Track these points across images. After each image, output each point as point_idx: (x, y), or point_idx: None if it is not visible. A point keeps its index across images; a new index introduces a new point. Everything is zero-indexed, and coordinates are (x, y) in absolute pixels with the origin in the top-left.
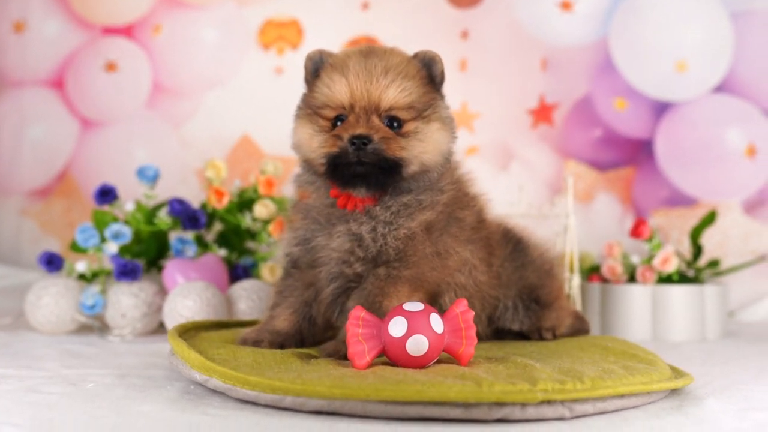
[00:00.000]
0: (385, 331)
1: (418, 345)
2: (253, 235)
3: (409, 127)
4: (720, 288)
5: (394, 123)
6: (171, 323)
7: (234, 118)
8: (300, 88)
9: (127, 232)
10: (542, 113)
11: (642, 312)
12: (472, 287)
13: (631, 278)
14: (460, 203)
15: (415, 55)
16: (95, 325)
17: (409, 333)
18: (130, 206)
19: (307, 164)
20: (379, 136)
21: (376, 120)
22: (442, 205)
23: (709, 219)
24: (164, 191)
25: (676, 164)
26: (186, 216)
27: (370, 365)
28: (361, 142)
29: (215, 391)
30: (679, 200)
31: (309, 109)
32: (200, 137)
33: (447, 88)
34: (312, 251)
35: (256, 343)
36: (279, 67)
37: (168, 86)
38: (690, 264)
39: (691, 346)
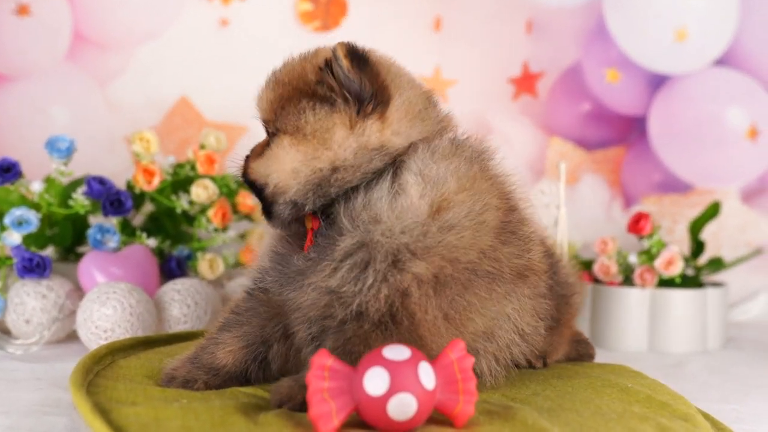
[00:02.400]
0: (359, 385)
1: (403, 407)
2: (189, 220)
3: (273, 142)
4: (722, 291)
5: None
6: (85, 335)
7: (170, 77)
8: (248, 41)
9: (33, 219)
10: (525, 82)
11: (638, 319)
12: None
13: (627, 279)
14: (495, 239)
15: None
16: None
17: (392, 391)
18: (38, 186)
19: None
20: (247, 155)
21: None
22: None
23: (712, 211)
24: (87, 162)
25: (671, 145)
26: (107, 199)
27: (339, 431)
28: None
29: None
30: (672, 186)
31: None
32: (130, 99)
33: (419, 49)
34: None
35: (187, 383)
36: (224, 19)
37: (92, 37)
38: (689, 261)
39: (695, 362)
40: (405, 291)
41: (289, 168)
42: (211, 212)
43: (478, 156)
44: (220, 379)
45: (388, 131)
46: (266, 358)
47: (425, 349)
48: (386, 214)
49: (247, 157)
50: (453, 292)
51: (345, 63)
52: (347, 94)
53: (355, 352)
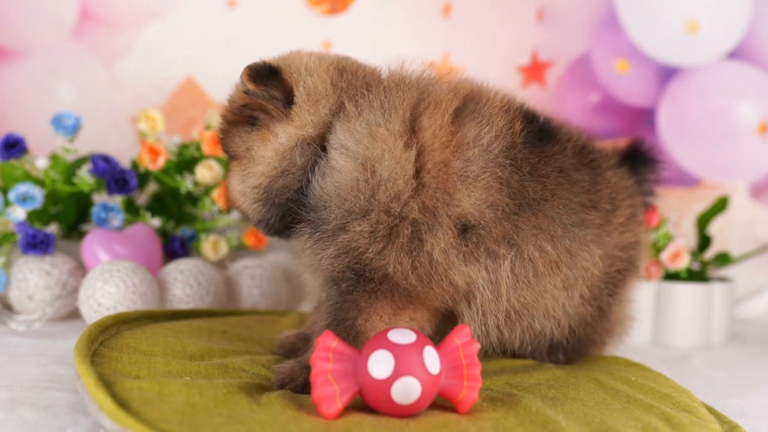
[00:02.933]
0: (363, 368)
1: (406, 390)
2: (194, 200)
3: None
4: (728, 286)
5: None
6: (88, 313)
7: (177, 56)
8: (256, 23)
9: (38, 195)
10: (534, 71)
11: (643, 312)
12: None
13: None
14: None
15: None
16: None
17: (396, 374)
18: (43, 162)
19: None
20: None
21: None
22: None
23: (720, 206)
24: (92, 140)
25: (680, 138)
26: (112, 177)
27: (342, 413)
28: None
29: None
30: (680, 179)
31: None
32: (136, 78)
33: (428, 35)
34: None
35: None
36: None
37: (99, 14)
38: (695, 256)
39: (698, 356)
40: (357, 249)
41: (238, 191)
42: (215, 193)
43: (387, 104)
44: None
45: (292, 128)
46: None
47: (413, 291)
48: (326, 196)
49: None
50: (404, 241)
51: (250, 86)
52: (264, 108)
53: (347, 321)
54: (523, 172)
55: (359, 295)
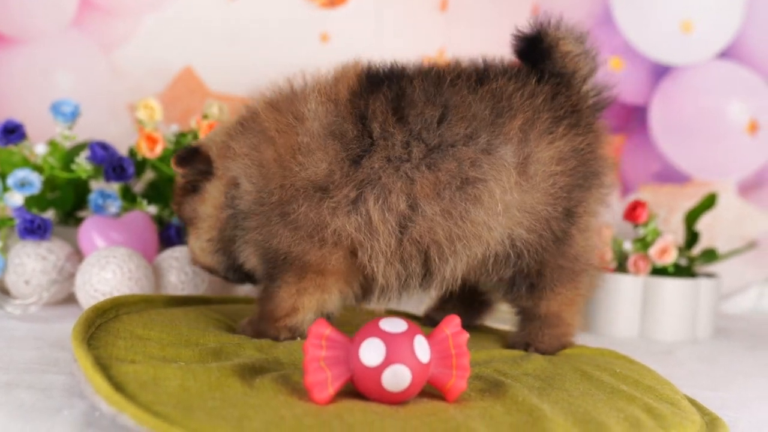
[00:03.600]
0: (355, 355)
1: (397, 378)
2: None
3: None
4: (714, 282)
5: None
6: (84, 298)
7: (176, 46)
8: (255, 15)
9: (36, 181)
10: None
11: (630, 306)
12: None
13: (620, 266)
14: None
15: None
16: None
17: (387, 362)
18: (42, 149)
19: None
20: None
21: None
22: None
23: (708, 203)
24: (89, 127)
25: (671, 136)
26: (110, 164)
27: (333, 399)
28: None
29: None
30: (670, 176)
31: None
32: (135, 66)
33: (425, 29)
34: None
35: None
36: None
37: (99, 3)
38: (683, 251)
39: (683, 350)
40: (256, 240)
41: (197, 248)
42: None
43: (256, 126)
44: None
45: (217, 181)
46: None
47: (307, 262)
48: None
49: None
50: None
51: (180, 171)
52: (197, 180)
53: (267, 294)
54: (357, 119)
55: (270, 279)
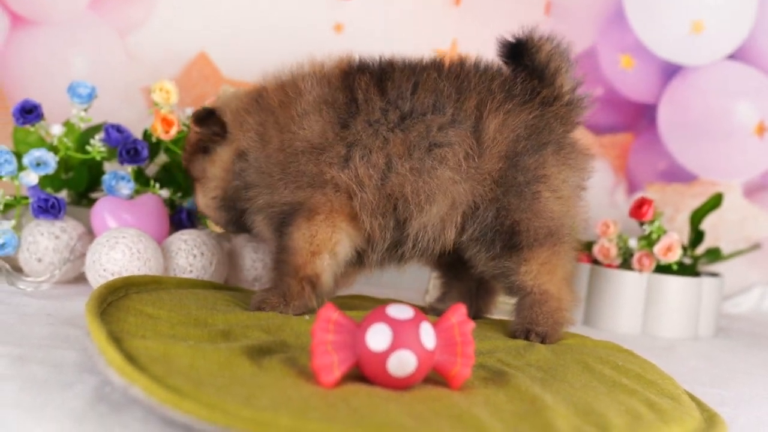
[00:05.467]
0: (361, 340)
1: (402, 363)
2: None
3: None
4: (717, 281)
5: None
6: (93, 277)
7: (191, 31)
8: (271, 4)
9: (51, 161)
10: None
11: (634, 302)
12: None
13: (625, 262)
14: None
15: None
16: (4, 268)
17: (393, 347)
18: (57, 129)
19: None
20: None
21: None
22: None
23: (714, 203)
24: (103, 110)
25: (679, 135)
26: (124, 147)
27: (339, 383)
28: None
29: (137, 400)
30: (677, 175)
31: None
32: (150, 51)
33: (438, 22)
34: None
35: None
36: None
37: None
38: (687, 250)
39: (685, 347)
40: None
41: (203, 204)
42: None
43: (261, 103)
44: None
45: (228, 146)
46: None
47: (311, 206)
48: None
49: None
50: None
51: (196, 128)
52: (210, 139)
53: (282, 243)
54: (347, 90)
55: (284, 226)
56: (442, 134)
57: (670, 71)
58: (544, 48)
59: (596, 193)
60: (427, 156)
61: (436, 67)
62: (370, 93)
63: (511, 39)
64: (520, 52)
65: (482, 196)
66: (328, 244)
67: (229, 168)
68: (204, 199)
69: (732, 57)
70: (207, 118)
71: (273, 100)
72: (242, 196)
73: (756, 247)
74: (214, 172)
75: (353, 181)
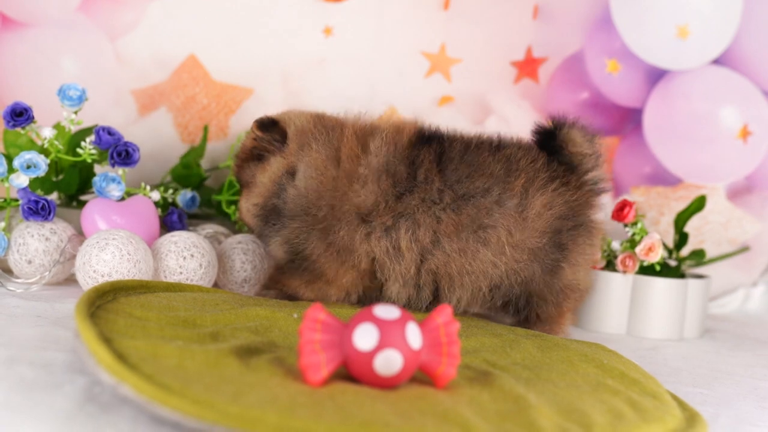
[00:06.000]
0: (348, 339)
1: (389, 363)
2: None
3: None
4: (703, 283)
5: None
6: (83, 279)
7: (181, 34)
8: (259, 6)
9: (42, 163)
10: (527, 67)
11: (619, 304)
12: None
13: (609, 264)
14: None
15: None
16: None
17: (380, 347)
18: (48, 132)
19: None
20: None
21: None
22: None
23: (697, 205)
24: (93, 113)
25: (664, 139)
26: (115, 150)
27: (326, 382)
28: None
29: (127, 399)
30: (661, 178)
31: None
32: (140, 54)
33: (427, 26)
34: None
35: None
36: None
37: None
38: (672, 252)
39: (670, 348)
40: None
41: (244, 209)
42: None
43: (330, 141)
44: None
45: (281, 159)
46: None
47: (324, 272)
48: (285, 207)
49: None
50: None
51: (258, 133)
52: (269, 148)
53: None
54: (408, 163)
55: (289, 266)
56: (490, 216)
57: (656, 76)
58: (576, 139)
59: None
60: (473, 237)
61: (490, 147)
62: (431, 173)
63: (546, 126)
64: (552, 139)
65: (516, 272)
66: (311, 298)
67: (276, 180)
68: (246, 204)
69: (717, 62)
70: (271, 125)
71: (345, 146)
72: (278, 212)
73: (745, 249)
74: (263, 180)
75: (390, 253)
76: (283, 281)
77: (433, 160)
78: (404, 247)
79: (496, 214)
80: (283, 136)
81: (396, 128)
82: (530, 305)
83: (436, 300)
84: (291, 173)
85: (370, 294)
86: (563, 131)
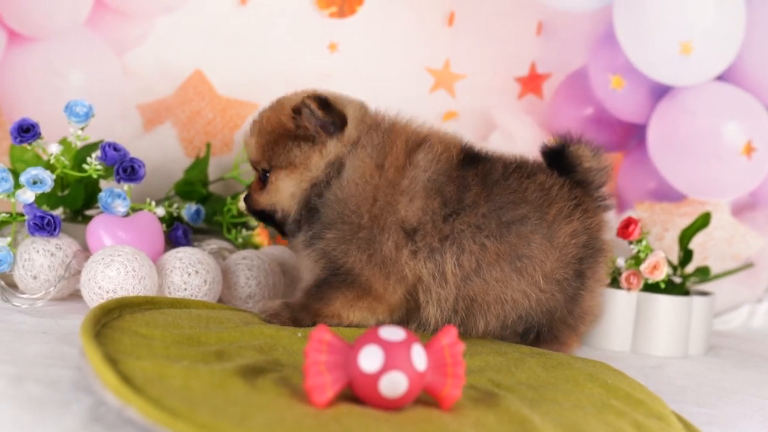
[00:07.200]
0: (354, 361)
1: (394, 385)
2: None
3: (270, 178)
4: (707, 300)
5: (265, 173)
6: (88, 295)
7: (187, 49)
8: (265, 22)
9: (48, 179)
10: (531, 83)
11: (623, 321)
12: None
13: (614, 281)
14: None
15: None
16: None
17: (385, 369)
18: (55, 148)
19: None
20: (248, 192)
21: (257, 177)
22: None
23: (702, 222)
24: (100, 127)
25: (668, 155)
26: (121, 166)
27: (332, 403)
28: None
29: (132, 421)
30: (666, 194)
31: None
32: (146, 68)
33: (431, 42)
34: None
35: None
36: None
37: (113, 5)
38: (677, 269)
39: (674, 366)
40: (329, 251)
41: (288, 194)
42: None
43: (381, 144)
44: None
45: (340, 144)
46: None
47: (371, 287)
48: (322, 207)
49: (248, 194)
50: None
51: (319, 112)
52: (321, 129)
53: (311, 309)
54: (457, 184)
55: (329, 285)
56: (528, 246)
57: (660, 92)
58: (585, 154)
59: None
60: (510, 266)
61: (525, 171)
62: (480, 197)
63: (553, 144)
64: (562, 157)
65: (542, 303)
66: (356, 320)
67: (329, 167)
68: (293, 189)
69: (720, 78)
70: (332, 106)
71: (392, 154)
72: (312, 215)
73: (749, 265)
74: (318, 163)
75: (436, 276)
76: (319, 308)
77: (480, 184)
78: (449, 272)
79: (532, 244)
80: (343, 121)
81: (444, 144)
82: (548, 331)
83: (463, 325)
84: (339, 165)
85: (406, 316)
86: (571, 148)
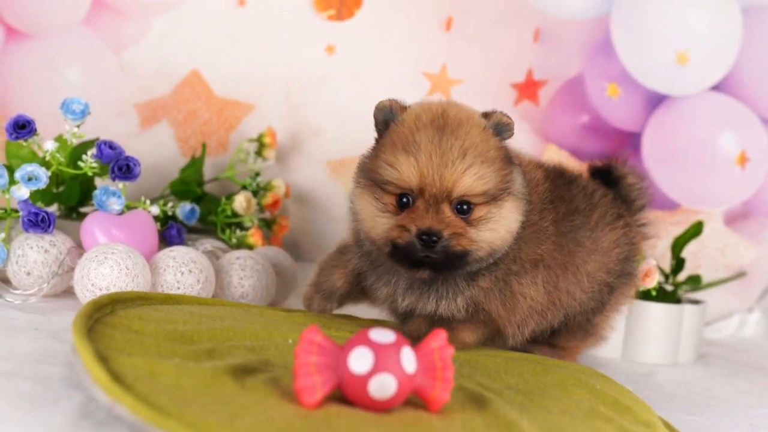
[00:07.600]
0: (344, 362)
1: (383, 387)
2: None
3: (480, 212)
4: (699, 308)
5: (464, 206)
6: (81, 292)
7: (184, 49)
8: (263, 23)
9: (43, 176)
10: (528, 89)
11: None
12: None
13: None
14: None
15: (487, 116)
16: None
17: (375, 371)
18: (51, 145)
19: (368, 239)
20: (450, 231)
21: (446, 209)
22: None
23: (695, 230)
24: (95, 125)
25: (663, 164)
26: (116, 164)
27: (321, 404)
28: (430, 239)
29: (122, 418)
30: (659, 203)
31: (371, 180)
32: (143, 67)
33: (428, 47)
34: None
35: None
36: None
37: (112, 3)
38: (668, 277)
39: (664, 373)
40: (474, 298)
41: (514, 228)
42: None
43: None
44: (333, 302)
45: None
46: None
47: (494, 320)
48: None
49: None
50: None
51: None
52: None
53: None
54: (553, 210)
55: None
56: (577, 252)
57: (656, 101)
58: (630, 175)
59: None
60: (574, 278)
61: (570, 180)
62: (565, 219)
63: (600, 164)
64: (609, 172)
65: (582, 303)
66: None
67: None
68: (516, 225)
69: (716, 88)
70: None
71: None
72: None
73: (741, 275)
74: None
75: (540, 301)
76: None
77: (567, 206)
78: (542, 295)
79: (584, 253)
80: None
81: (534, 164)
82: (575, 335)
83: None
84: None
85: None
86: (617, 165)
